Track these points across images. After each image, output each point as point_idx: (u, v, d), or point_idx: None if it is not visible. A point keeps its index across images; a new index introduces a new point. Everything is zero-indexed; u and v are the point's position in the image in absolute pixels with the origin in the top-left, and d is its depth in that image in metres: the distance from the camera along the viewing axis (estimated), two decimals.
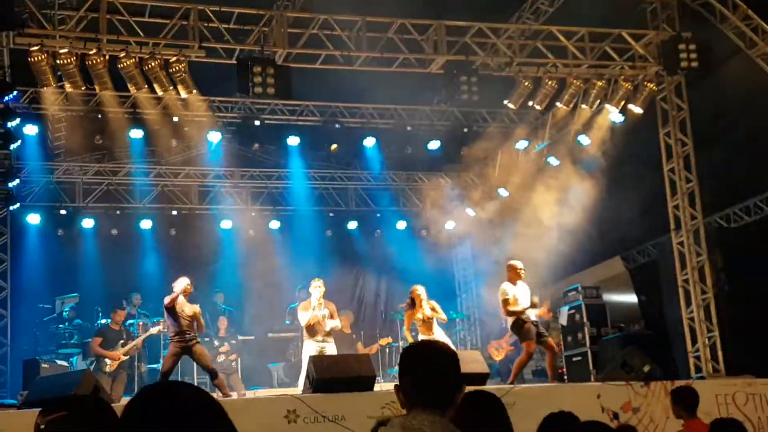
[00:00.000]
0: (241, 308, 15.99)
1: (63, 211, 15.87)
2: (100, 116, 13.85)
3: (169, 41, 12.07)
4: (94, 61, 11.41)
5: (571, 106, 13.90)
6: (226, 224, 16.83)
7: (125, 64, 11.62)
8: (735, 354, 13.08)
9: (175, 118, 14.01)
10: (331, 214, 17.78)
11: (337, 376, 8.85)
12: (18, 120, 12.43)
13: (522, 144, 15.78)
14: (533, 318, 10.90)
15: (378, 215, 18.10)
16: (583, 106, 13.96)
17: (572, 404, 4.46)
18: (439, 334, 11.31)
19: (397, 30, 12.95)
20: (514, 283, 11.02)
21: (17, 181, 13.78)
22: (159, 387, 1.84)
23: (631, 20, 13.75)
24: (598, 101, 13.89)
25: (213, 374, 10.39)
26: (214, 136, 14.70)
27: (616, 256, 16.54)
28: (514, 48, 13.44)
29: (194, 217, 16.97)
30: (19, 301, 14.08)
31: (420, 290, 11.51)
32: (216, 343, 13.74)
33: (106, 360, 12.31)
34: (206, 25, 12.13)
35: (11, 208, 14.00)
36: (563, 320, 14.24)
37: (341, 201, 17.96)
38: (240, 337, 14.57)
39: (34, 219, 15.40)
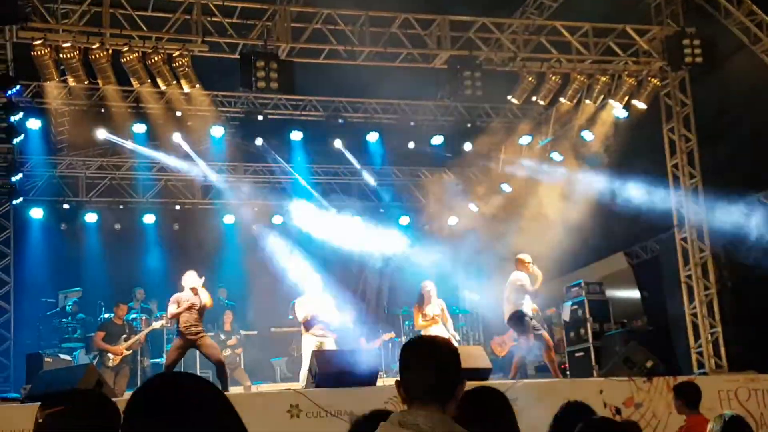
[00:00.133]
0: (243, 303, 15.97)
1: (66, 206, 15.87)
2: (103, 110, 13.86)
3: (172, 35, 12.08)
4: (97, 55, 11.40)
5: (575, 101, 13.86)
6: (228, 219, 16.83)
7: (128, 58, 11.62)
8: (738, 350, 13.08)
9: (179, 113, 14.01)
10: (333, 209, 17.74)
11: (339, 371, 8.85)
12: (21, 114, 12.45)
13: (525, 139, 15.73)
14: (529, 312, 11.04)
15: (381, 210, 18.08)
16: (587, 101, 13.92)
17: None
18: (441, 331, 11.26)
19: (401, 25, 12.93)
20: None
21: (20, 175, 13.81)
22: (164, 378, 1.84)
23: (635, 16, 13.72)
24: (602, 97, 13.85)
25: (220, 368, 10.32)
26: (217, 131, 14.70)
27: (619, 251, 16.51)
28: (517, 43, 13.42)
29: (197, 212, 16.97)
30: (23, 296, 14.11)
31: (430, 286, 11.51)
32: (222, 336, 13.75)
33: (109, 354, 12.31)
34: (209, 19, 12.13)
35: (14, 202, 14.03)
36: (566, 316, 14.25)
37: (344, 196, 17.92)
38: (243, 332, 14.61)
39: (37, 213, 15.38)
